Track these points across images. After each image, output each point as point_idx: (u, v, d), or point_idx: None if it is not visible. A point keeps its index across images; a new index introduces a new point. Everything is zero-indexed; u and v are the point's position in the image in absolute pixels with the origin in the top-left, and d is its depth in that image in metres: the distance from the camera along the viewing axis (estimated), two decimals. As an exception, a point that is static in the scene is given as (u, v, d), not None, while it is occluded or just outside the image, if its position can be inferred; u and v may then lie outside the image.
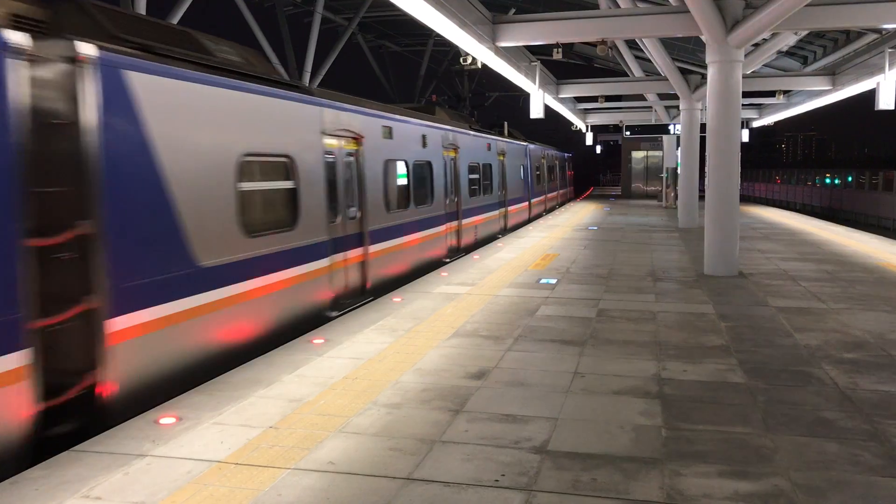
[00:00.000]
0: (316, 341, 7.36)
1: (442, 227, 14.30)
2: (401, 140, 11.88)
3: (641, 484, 4.09)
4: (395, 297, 9.75)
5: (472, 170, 16.74)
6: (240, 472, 4.26)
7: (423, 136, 13.13)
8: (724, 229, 11.67)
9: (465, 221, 15.91)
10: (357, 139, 10.12)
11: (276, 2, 20.92)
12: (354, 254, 9.93)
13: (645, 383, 5.97)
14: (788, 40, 19.15)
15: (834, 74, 21.08)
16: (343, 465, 4.36)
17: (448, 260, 14.31)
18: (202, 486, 4.08)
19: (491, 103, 38.24)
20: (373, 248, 10.49)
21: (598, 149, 49.03)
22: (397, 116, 11.83)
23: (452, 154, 15.17)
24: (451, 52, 29.79)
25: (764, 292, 10.15)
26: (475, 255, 14.32)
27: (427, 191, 13.46)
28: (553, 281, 11.12)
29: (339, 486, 4.08)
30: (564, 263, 13.10)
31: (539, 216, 27.17)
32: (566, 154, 41.09)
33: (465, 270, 12.24)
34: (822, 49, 22.24)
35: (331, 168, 9.25)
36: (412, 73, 32.98)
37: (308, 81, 20.69)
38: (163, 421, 5.08)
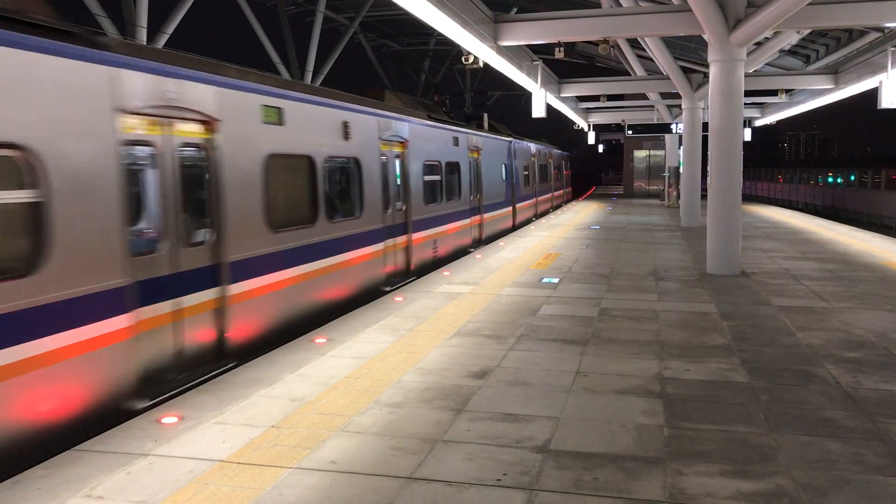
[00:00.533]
0: (318, 341, 7.36)
1: (379, 246, 10.94)
2: (301, 127, 8.64)
3: (643, 483, 4.08)
4: (397, 297, 9.74)
5: (430, 170, 13.65)
6: (242, 472, 4.26)
7: (345, 124, 9.85)
8: (726, 228, 11.65)
9: (417, 235, 12.83)
10: (208, 123, 6.86)
11: (277, 1, 20.93)
12: (198, 300, 6.67)
13: (647, 382, 5.97)
14: (790, 39, 19.13)
15: (836, 73, 21.05)
16: (345, 464, 4.36)
17: (389, 288, 11.13)
18: (204, 485, 4.09)
19: (493, 102, 38.30)
20: (239, 288, 7.21)
21: (601, 148, 49.05)
22: (295, 93, 8.59)
23: (398, 149, 12.18)
24: (453, 51, 29.78)
25: (766, 291, 10.13)
26: (477, 255, 14.31)
27: (352, 199, 10.27)
28: (555, 280, 11.11)
29: (340, 485, 4.08)
30: (566, 263, 13.10)
31: (528, 222, 24.42)
32: (564, 152, 37.98)
33: (467, 270, 12.23)
34: (824, 48, 22.21)
35: (147, 167, 6.17)
36: (414, 73, 32.97)
37: (310, 80, 20.68)
38: (165, 420, 5.08)
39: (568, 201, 38.79)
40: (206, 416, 5.20)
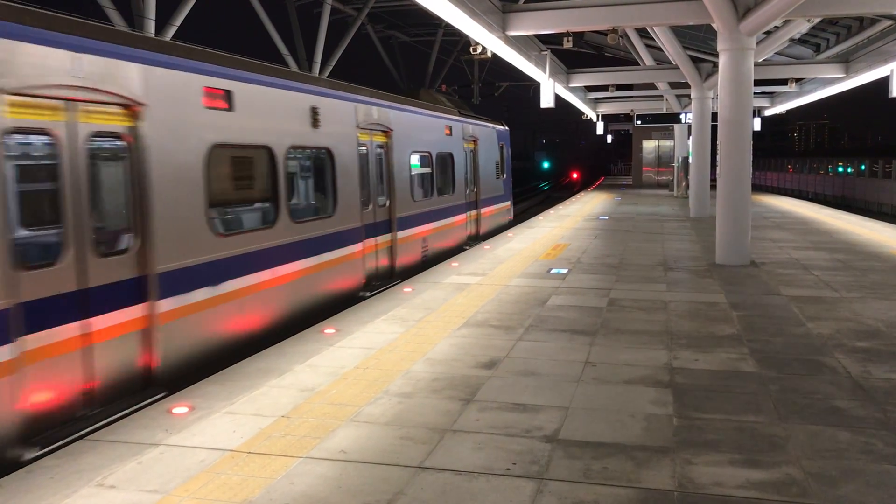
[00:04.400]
0: (327, 331, 7.38)
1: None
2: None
3: (653, 472, 4.09)
4: (406, 288, 9.76)
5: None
6: (252, 461, 4.29)
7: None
8: (736, 218, 11.61)
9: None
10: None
11: (285, -8, 20.87)
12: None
13: (656, 372, 5.96)
14: (801, 28, 18.97)
15: (847, 62, 20.88)
16: (355, 453, 4.38)
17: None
18: (215, 474, 4.11)
19: (501, 93, 38.08)
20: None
21: (609, 138, 48.89)
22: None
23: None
24: (461, 41, 29.69)
25: (776, 281, 10.10)
26: (486, 245, 14.29)
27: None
28: (564, 271, 11.10)
29: (350, 474, 4.10)
30: (575, 253, 13.08)
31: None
32: (494, 126, 19.05)
33: (475, 261, 12.23)
34: (835, 36, 22.02)
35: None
36: (422, 64, 32.88)
37: (318, 72, 20.67)
38: (175, 410, 5.12)
39: (506, 224, 19.65)
40: (216, 406, 5.23)
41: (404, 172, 11.96)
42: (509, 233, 16.74)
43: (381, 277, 11.07)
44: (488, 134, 18.29)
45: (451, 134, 15.03)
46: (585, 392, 5.49)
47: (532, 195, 53.49)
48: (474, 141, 16.84)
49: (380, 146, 11.09)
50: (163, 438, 4.63)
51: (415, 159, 12.70)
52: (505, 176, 19.89)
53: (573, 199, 30.98)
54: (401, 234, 11.79)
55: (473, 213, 16.53)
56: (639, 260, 12.23)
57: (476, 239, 16.46)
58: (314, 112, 8.91)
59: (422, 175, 13.22)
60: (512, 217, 20.85)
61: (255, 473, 4.12)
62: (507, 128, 20.65)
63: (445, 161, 14.70)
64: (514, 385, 5.66)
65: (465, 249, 15.00)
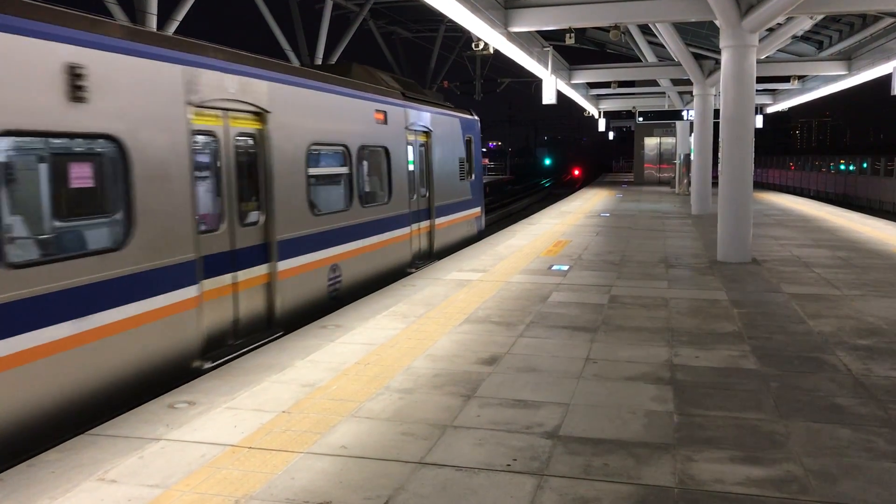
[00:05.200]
0: (328, 327, 7.38)
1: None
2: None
3: (653, 469, 4.09)
4: (407, 284, 9.75)
5: None
6: (253, 456, 4.29)
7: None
8: (737, 216, 11.60)
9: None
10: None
11: (286, -12, 20.84)
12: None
13: (657, 369, 5.96)
14: (803, 25, 18.93)
15: (849, 59, 20.87)
16: (355, 449, 4.39)
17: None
18: (216, 469, 4.12)
19: (503, 89, 38.07)
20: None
21: (611, 135, 48.88)
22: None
23: None
24: (463, 37, 29.67)
25: (777, 279, 10.09)
26: (487, 242, 14.28)
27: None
28: (565, 267, 11.10)
29: (351, 469, 4.11)
30: (576, 250, 13.08)
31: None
32: (458, 114, 15.36)
33: (477, 257, 12.23)
34: (837, 33, 21.99)
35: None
36: (424, 60, 32.85)
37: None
38: (177, 405, 5.12)
39: (449, 248, 14.52)
40: (217, 401, 5.23)
41: (295, 175, 8.36)
42: (512, 228, 16.73)
43: (247, 332, 7.46)
44: (449, 124, 14.48)
45: (385, 122, 11.20)
46: (586, 388, 5.49)
47: (533, 192, 53.51)
48: (426, 132, 13.21)
49: (245, 135, 7.55)
50: (164, 433, 4.64)
51: (318, 155, 9.21)
52: (473, 177, 16.04)
53: (575, 195, 30.96)
54: (286, 265, 8.10)
55: (425, 224, 13.07)
56: (640, 257, 12.23)
57: (429, 257, 13.19)
58: (75, 75, 5.28)
59: (331, 177, 9.68)
60: (483, 227, 17.07)
61: (255, 468, 4.13)
62: (475, 117, 16.68)
63: (376, 158, 11.05)
64: (514, 381, 5.67)
65: (411, 273, 11.57)
